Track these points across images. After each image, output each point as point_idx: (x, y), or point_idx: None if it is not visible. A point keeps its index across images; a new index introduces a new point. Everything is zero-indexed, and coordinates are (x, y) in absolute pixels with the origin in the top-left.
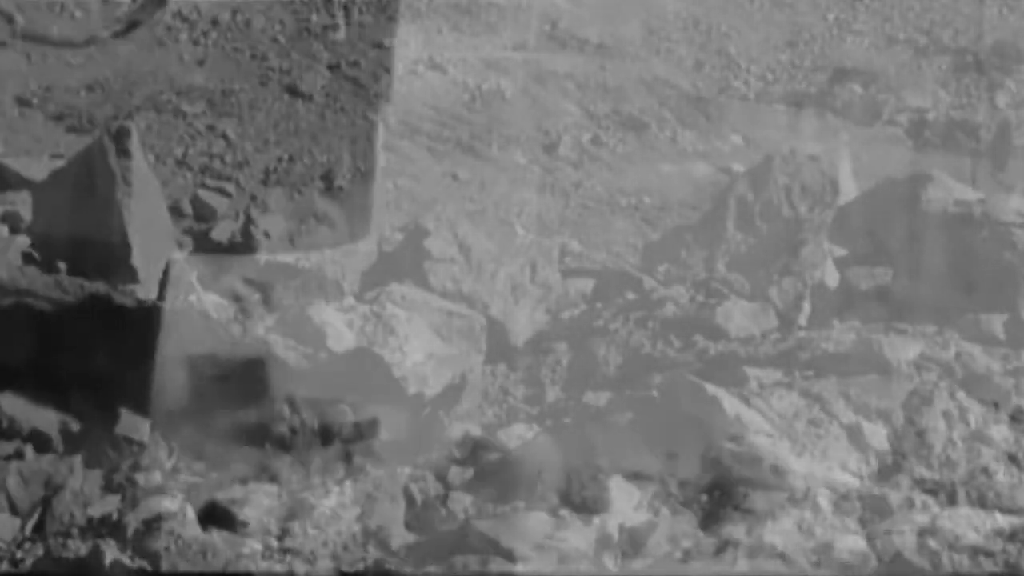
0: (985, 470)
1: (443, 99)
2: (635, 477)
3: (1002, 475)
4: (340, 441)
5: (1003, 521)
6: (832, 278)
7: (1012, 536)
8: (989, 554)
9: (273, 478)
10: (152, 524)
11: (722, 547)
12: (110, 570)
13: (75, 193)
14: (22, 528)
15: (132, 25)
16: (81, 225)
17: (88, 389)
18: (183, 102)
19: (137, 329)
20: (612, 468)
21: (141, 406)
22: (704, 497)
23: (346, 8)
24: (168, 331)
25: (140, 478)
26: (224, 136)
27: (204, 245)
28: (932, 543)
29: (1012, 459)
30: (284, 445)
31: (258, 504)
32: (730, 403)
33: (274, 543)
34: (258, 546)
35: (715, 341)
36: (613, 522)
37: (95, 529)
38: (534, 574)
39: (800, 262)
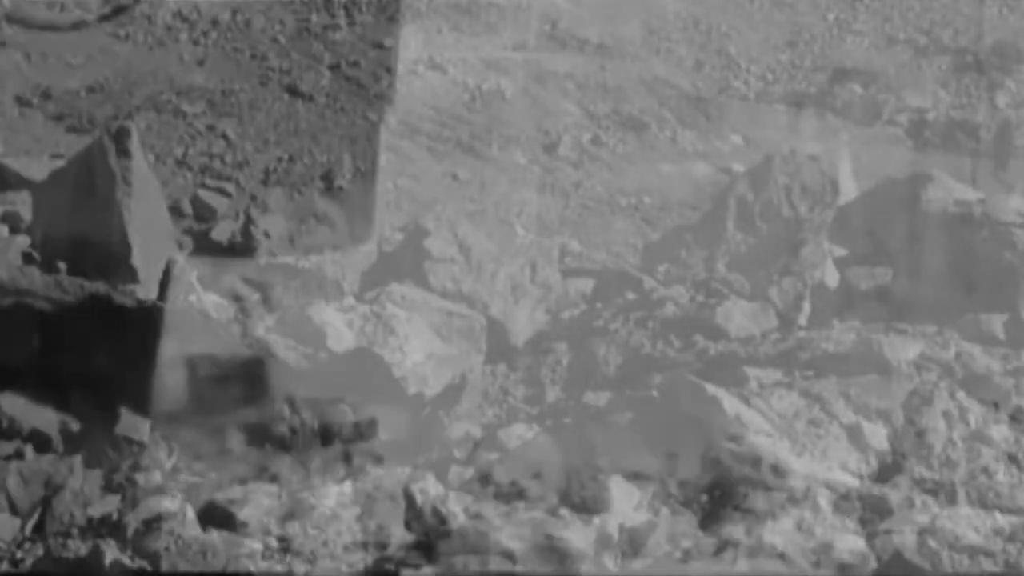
0: (985, 470)
1: (443, 99)
2: (635, 477)
3: (1002, 475)
4: (340, 441)
5: (1003, 521)
6: (832, 278)
7: (1012, 536)
8: (989, 554)
9: (273, 478)
10: (152, 524)
11: (722, 547)
12: (110, 570)
13: (75, 193)
14: (22, 528)
15: (118, 9)
16: (81, 225)
17: (88, 389)
18: (183, 102)
19: (137, 329)
20: (612, 468)
21: (141, 406)
22: (704, 497)
23: (346, 8)
24: (168, 331)
25: (140, 478)
26: (224, 136)
27: (204, 245)
28: (932, 543)
29: (1012, 459)
30: (284, 445)
31: (258, 504)
32: (730, 403)
33: (274, 543)
34: (258, 546)
35: (715, 341)
36: (613, 522)
37: (95, 529)
38: (534, 574)
39: (800, 262)
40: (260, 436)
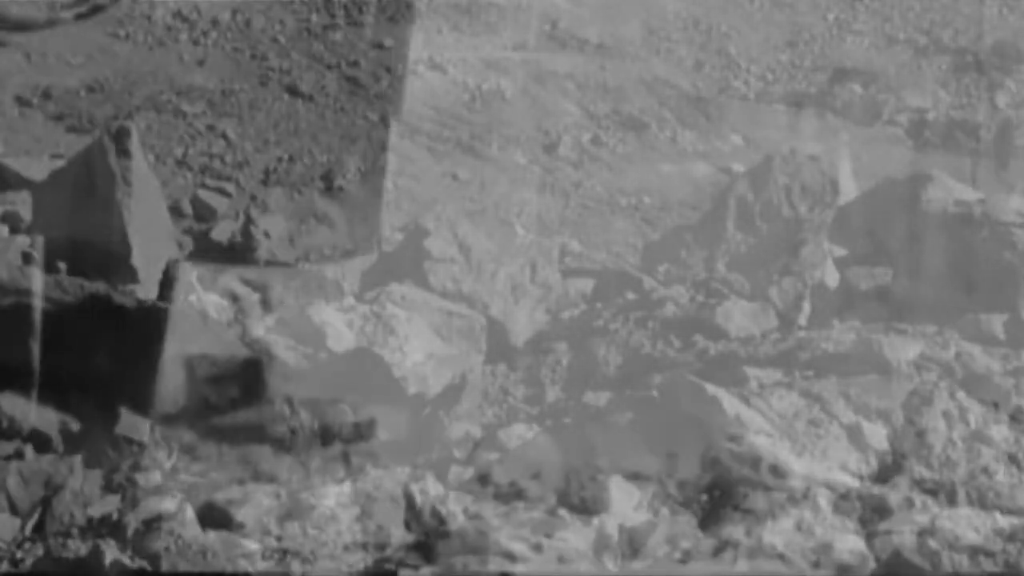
0: (985, 470)
1: (443, 99)
2: (635, 477)
3: (1002, 475)
4: (339, 441)
5: (1003, 521)
6: (832, 278)
7: (1012, 536)
8: (989, 554)
9: (272, 478)
10: (152, 524)
11: (721, 547)
12: (110, 570)
13: (75, 193)
14: (22, 528)
15: (96, 8)
16: (81, 225)
17: (88, 389)
18: (183, 102)
19: (137, 329)
20: (612, 468)
21: (141, 406)
22: (704, 497)
23: (346, 8)
24: (168, 331)
25: (140, 478)
26: (224, 136)
27: (204, 245)
28: (932, 543)
29: (1012, 459)
30: (283, 445)
31: (257, 504)
32: (730, 403)
33: (273, 543)
34: (257, 546)
35: (715, 341)
36: (612, 522)
37: (95, 529)
38: (534, 574)
39: (800, 262)
40: (260, 436)
